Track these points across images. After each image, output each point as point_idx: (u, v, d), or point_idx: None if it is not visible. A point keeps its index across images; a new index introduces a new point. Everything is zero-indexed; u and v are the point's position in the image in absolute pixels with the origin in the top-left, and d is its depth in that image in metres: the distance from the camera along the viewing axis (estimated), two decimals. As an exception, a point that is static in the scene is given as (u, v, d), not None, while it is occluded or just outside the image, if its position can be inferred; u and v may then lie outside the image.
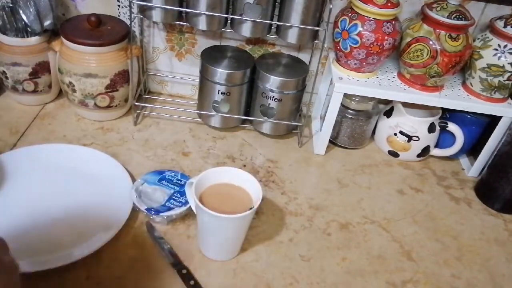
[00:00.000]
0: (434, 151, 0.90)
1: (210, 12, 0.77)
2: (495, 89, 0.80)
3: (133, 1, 0.78)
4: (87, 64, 0.80)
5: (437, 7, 0.76)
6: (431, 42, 0.76)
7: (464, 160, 0.93)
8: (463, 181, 0.88)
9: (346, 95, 0.83)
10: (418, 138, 0.86)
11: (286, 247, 0.69)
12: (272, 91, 0.83)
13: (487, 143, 0.85)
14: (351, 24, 0.77)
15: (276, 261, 0.66)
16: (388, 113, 0.89)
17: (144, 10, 0.79)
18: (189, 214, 0.70)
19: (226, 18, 0.81)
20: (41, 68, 0.85)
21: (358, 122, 0.88)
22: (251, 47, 0.92)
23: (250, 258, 0.66)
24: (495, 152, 0.84)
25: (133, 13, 0.83)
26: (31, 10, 0.80)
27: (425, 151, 0.89)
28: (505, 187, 0.80)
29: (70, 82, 0.82)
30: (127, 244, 0.65)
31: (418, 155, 0.89)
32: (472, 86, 0.83)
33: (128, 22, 0.82)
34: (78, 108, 0.86)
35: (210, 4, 0.76)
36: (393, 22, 0.77)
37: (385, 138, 0.90)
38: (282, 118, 0.87)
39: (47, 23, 0.82)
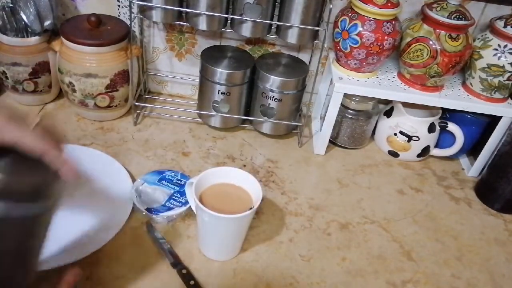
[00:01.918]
0: (434, 151, 0.90)
1: (210, 12, 0.77)
2: (495, 89, 0.80)
3: (133, 1, 0.78)
4: (87, 64, 0.80)
5: (437, 7, 0.76)
6: (431, 42, 0.76)
7: (464, 160, 0.93)
8: (463, 181, 0.88)
9: (346, 95, 0.83)
10: (418, 138, 0.86)
11: (286, 247, 0.69)
12: (272, 91, 0.83)
13: (487, 143, 0.85)
14: (351, 24, 0.77)
15: (276, 261, 0.66)
16: (388, 113, 0.89)
17: (144, 10, 0.79)
18: (189, 214, 0.70)
19: (226, 18, 0.81)
20: (41, 68, 0.85)
21: (358, 122, 0.88)
22: (251, 47, 0.92)
23: (250, 258, 0.66)
24: (495, 152, 0.84)
25: (133, 13, 0.83)
26: (31, 10, 0.80)
27: (425, 151, 0.89)
28: (505, 187, 0.80)
29: (70, 82, 0.82)
30: (127, 244, 0.65)
31: (418, 155, 0.89)
32: (472, 86, 0.83)
33: (128, 22, 0.82)
34: (78, 108, 0.86)
35: (210, 4, 0.76)
36: (393, 22, 0.77)
37: (385, 138, 0.90)
38: (282, 118, 0.87)
39: (47, 23, 0.82)
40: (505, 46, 0.76)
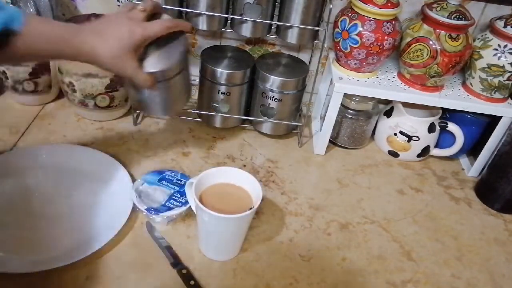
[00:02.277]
0: (434, 151, 0.90)
1: (210, 12, 0.77)
2: (495, 89, 0.80)
3: (133, 1, 0.78)
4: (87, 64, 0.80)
5: (437, 7, 0.76)
6: (431, 42, 0.76)
7: (464, 160, 0.93)
8: (463, 181, 0.88)
9: (346, 95, 0.83)
10: (418, 138, 0.86)
11: (286, 247, 0.69)
12: (272, 91, 0.83)
13: (487, 143, 0.85)
14: (351, 24, 0.77)
15: (276, 261, 0.66)
16: (388, 113, 0.89)
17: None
18: (189, 214, 0.70)
19: (226, 18, 0.81)
20: (41, 68, 0.85)
21: (358, 122, 0.88)
22: (251, 47, 0.92)
23: (250, 258, 0.66)
24: (495, 152, 0.84)
25: (133, 13, 0.83)
26: (31, 10, 0.80)
27: (425, 151, 0.89)
28: (505, 187, 0.80)
29: (70, 82, 0.81)
30: (127, 244, 0.65)
31: (418, 155, 0.89)
32: (472, 86, 0.83)
33: (128, 22, 0.81)
34: (78, 108, 0.86)
35: (210, 4, 0.76)
36: (393, 22, 0.77)
37: (385, 138, 0.90)
38: (282, 118, 0.87)
39: (47, 23, 0.82)
40: (505, 46, 0.76)
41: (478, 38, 0.80)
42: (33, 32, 0.51)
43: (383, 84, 0.83)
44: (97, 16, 0.81)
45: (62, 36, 0.55)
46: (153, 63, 0.61)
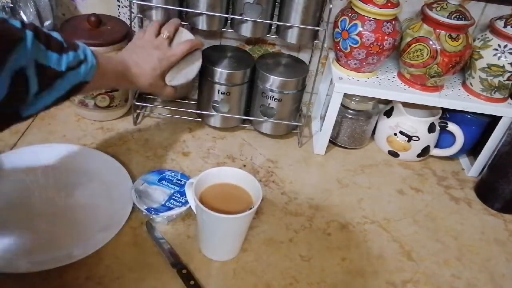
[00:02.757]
0: (434, 151, 0.90)
1: (210, 12, 0.77)
2: (495, 89, 0.80)
3: (133, 1, 0.78)
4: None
5: (437, 7, 0.76)
6: (431, 42, 0.76)
7: (464, 160, 0.93)
8: (463, 181, 0.88)
9: (346, 95, 0.83)
10: (418, 138, 0.86)
11: (286, 247, 0.69)
12: (272, 91, 0.83)
13: (487, 143, 0.85)
14: (351, 24, 0.77)
15: (276, 261, 0.66)
16: (388, 113, 0.89)
17: (144, 10, 0.79)
18: (189, 214, 0.70)
19: (226, 18, 0.81)
20: (41, 68, 0.85)
21: (358, 122, 0.88)
22: (251, 47, 0.92)
23: (250, 258, 0.66)
24: (495, 152, 0.84)
25: (133, 13, 0.83)
26: (31, 10, 0.80)
27: (425, 151, 0.89)
28: (505, 187, 0.80)
29: (70, 82, 0.81)
30: (127, 244, 0.65)
31: (418, 155, 0.89)
32: (472, 86, 0.83)
33: (128, 22, 0.82)
34: (78, 108, 0.86)
35: (210, 4, 0.76)
36: (393, 22, 0.77)
37: (385, 138, 0.90)
38: (282, 118, 0.87)
39: (47, 23, 0.82)
40: (505, 46, 0.76)
41: (478, 38, 0.80)
42: (99, 76, 0.58)
43: (383, 84, 0.83)
44: (97, 16, 0.81)
45: (118, 73, 0.65)
46: (175, 80, 0.75)
